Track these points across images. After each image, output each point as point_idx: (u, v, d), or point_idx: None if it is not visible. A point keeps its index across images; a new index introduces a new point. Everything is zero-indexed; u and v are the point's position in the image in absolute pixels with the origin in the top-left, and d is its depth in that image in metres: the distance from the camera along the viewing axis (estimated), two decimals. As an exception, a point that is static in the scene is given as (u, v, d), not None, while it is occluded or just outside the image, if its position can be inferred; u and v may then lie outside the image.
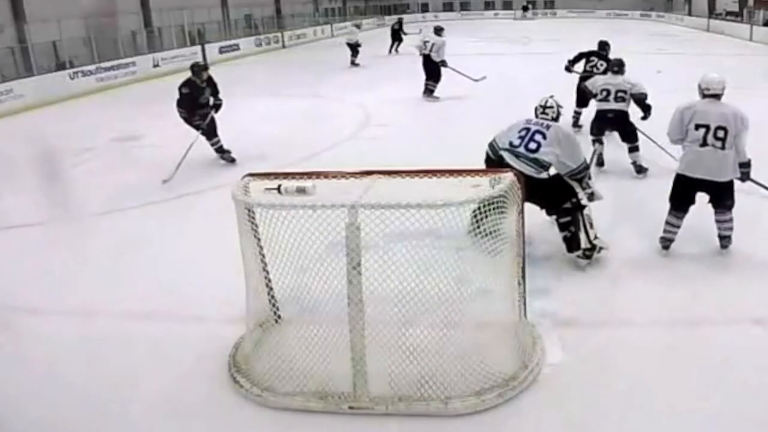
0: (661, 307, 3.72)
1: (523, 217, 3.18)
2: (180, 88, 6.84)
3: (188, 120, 6.93)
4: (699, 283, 3.98)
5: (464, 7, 43.02)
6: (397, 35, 20.09)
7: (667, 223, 4.45)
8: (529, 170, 4.05)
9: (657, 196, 4.69)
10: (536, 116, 4.42)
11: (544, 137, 4.21)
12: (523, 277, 3.26)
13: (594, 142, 6.59)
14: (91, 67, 14.89)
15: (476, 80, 10.76)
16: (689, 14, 30.14)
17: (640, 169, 6.34)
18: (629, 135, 6.40)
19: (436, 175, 3.10)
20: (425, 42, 10.68)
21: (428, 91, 10.76)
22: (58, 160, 7.83)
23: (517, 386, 2.98)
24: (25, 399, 3.13)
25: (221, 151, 7.11)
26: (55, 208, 5.91)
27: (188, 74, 6.93)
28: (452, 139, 7.73)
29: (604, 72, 7.30)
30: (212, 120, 7.02)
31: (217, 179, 6.18)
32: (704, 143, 4.20)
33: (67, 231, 5.39)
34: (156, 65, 17.27)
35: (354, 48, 17.02)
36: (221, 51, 20.80)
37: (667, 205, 4.45)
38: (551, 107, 4.42)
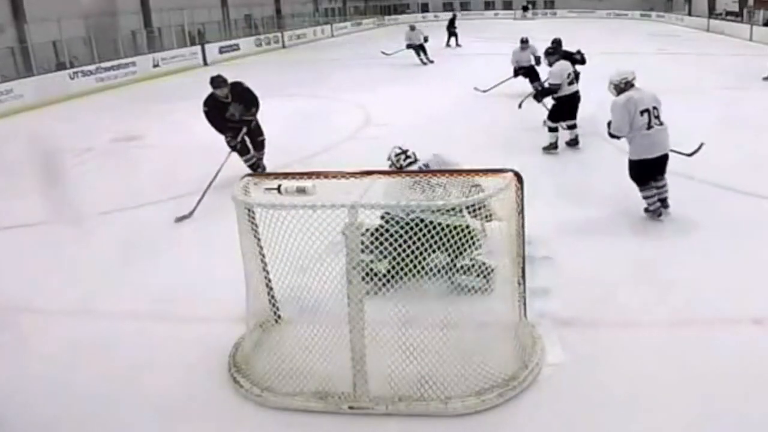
0: (661, 307, 3.72)
1: (523, 217, 3.18)
2: (202, 106, 6.22)
3: (222, 133, 6.25)
4: (699, 283, 3.97)
5: (464, 7, 42.98)
6: (450, 30, 21.15)
7: (647, 197, 4.89)
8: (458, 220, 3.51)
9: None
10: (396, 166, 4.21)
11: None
12: (523, 277, 3.26)
13: (556, 129, 7.10)
14: (91, 67, 14.91)
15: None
16: (689, 14, 30.08)
17: (578, 142, 7.19)
18: (576, 112, 7.12)
19: (435, 175, 3.10)
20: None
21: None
22: (58, 160, 7.83)
23: (517, 386, 2.98)
24: (26, 399, 3.13)
25: (254, 167, 6.34)
26: (55, 208, 5.91)
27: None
28: (452, 139, 7.73)
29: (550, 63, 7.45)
30: (245, 137, 6.29)
31: (217, 179, 6.17)
32: (650, 125, 4.71)
33: (67, 231, 5.39)
34: (156, 65, 17.29)
35: (421, 48, 16.07)
36: (221, 51, 20.81)
37: None
38: (403, 153, 4.28)
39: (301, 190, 2.93)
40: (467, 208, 3.39)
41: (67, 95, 13.42)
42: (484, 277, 3.66)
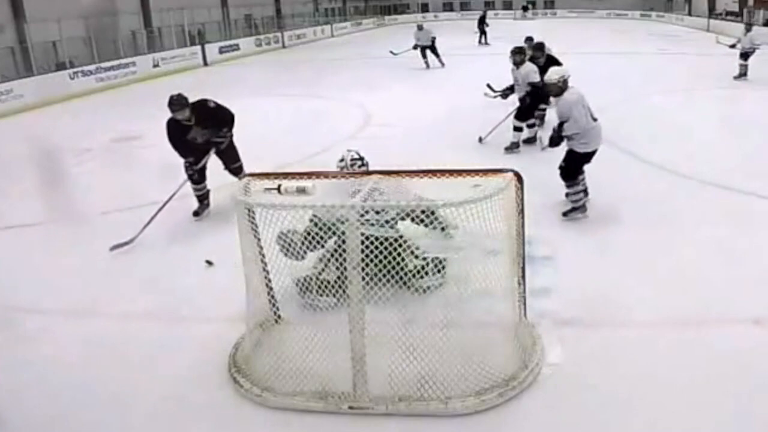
0: (661, 307, 3.72)
1: (523, 217, 3.18)
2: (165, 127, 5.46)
3: (183, 157, 5.52)
4: (699, 283, 3.97)
5: (464, 7, 43.02)
6: (481, 28, 21.66)
7: (575, 193, 5.01)
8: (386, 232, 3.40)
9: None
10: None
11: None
12: (523, 277, 3.26)
13: (521, 129, 7.18)
14: (91, 67, 14.92)
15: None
16: (689, 14, 30.10)
17: (536, 140, 7.15)
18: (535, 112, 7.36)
19: (436, 175, 3.10)
20: None
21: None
22: (58, 160, 7.83)
23: (517, 386, 2.98)
24: (25, 399, 3.13)
25: (202, 199, 5.70)
26: (55, 208, 5.91)
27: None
28: (453, 139, 7.73)
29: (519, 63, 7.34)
30: (221, 161, 5.67)
31: (217, 180, 6.16)
32: (594, 118, 4.93)
33: (67, 231, 5.39)
34: (156, 65, 17.30)
35: (431, 49, 15.32)
36: (221, 51, 20.84)
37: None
38: (359, 159, 4.17)
39: (301, 190, 2.93)
40: (414, 219, 3.29)
41: (67, 95, 13.42)
42: (440, 272, 3.73)
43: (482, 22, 21.95)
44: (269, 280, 3.33)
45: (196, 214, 5.63)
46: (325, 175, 3.13)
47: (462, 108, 9.94)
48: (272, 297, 3.40)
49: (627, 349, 3.33)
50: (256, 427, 2.92)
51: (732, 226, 4.80)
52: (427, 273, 3.78)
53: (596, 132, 4.94)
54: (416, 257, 3.82)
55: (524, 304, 3.34)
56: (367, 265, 2.86)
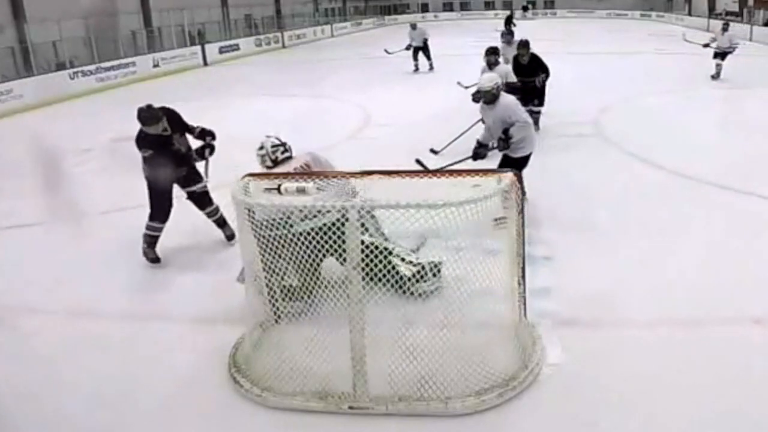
0: (661, 307, 3.72)
1: (523, 217, 3.18)
2: (141, 150, 4.72)
3: (184, 163, 4.88)
4: (699, 282, 3.98)
5: (464, 7, 43.03)
6: (508, 28, 21.51)
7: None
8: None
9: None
10: (274, 165, 3.93)
11: None
12: (523, 277, 3.26)
13: None
14: (91, 67, 14.93)
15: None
16: (689, 14, 30.12)
17: None
18: None
19: (436, 175, 3.10)
20: None
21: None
22: (58, 160, 7.83)
23: (517, 386, 2.98)
24: (25, 399, 3.13)
25: (150, 240, 4.70)
26: (55, 208, 5.91)
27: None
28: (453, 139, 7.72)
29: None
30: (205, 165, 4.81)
31: (217, 179, 6.16)
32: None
33: (67, 231, 5.39)
34: (156, 65, 17.31)
35: (423, 51, 14.85)
36: (221, 51, 20.84)
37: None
38: (281, 145, 4.06)
39: (301, 190, 2.93)
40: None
41: (67, 95, 13.43)
42: (435, 275, 3.68)
43: (509, 22, 21.94)
44: (269, 280, 3.32)
45: (155, 261, 4.66)
46: (325, 175, 3.13)
47: (463, 108, 9.95)
48: (272, 297, 3.40)
49: (627, 349, 3.33)
50: (256, 427, 2.92)
51: (731, 225, 4.80)
52: (423, 278, 3.72)
53: (532, 135, 4.92)
54: (411, 264, 3.74)
55: (524, 304, 3.33)
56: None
